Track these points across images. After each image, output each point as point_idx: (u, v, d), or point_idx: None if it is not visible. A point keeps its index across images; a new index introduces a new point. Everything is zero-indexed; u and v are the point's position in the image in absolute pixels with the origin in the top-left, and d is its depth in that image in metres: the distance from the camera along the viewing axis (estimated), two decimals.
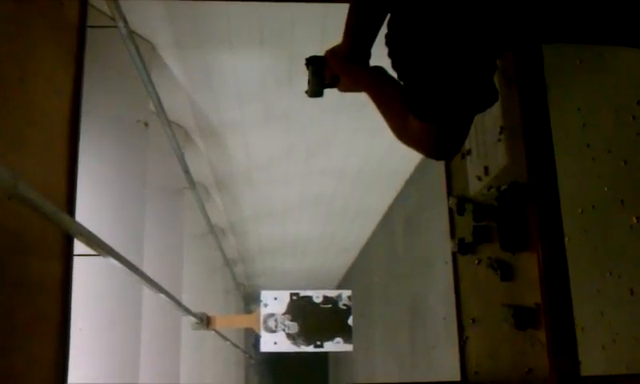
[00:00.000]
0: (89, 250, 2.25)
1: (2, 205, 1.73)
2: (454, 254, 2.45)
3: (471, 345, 2.33)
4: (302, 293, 7.54)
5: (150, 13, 3.41)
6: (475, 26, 1.12)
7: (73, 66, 2.33)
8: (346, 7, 1.40)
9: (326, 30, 3.41)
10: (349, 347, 7.50)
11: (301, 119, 4.87)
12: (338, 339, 7.44)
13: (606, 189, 2.16)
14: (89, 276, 2.69)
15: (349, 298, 7.57)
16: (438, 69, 1.14)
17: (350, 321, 7.49)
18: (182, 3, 3.33)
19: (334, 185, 6.61)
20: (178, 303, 4.30)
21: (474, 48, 1.13)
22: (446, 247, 2.61)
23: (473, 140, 2.25)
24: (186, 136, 5.01)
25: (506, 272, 2.02)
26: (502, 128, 2.05)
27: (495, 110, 2.08)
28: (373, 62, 1.49)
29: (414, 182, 6.17)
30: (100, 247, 2.28)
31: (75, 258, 2.26)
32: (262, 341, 7.43)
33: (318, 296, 7.54)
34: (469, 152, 2.29)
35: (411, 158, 5.73)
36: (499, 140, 2.06)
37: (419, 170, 5.88)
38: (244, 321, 8.54)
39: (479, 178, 2.21)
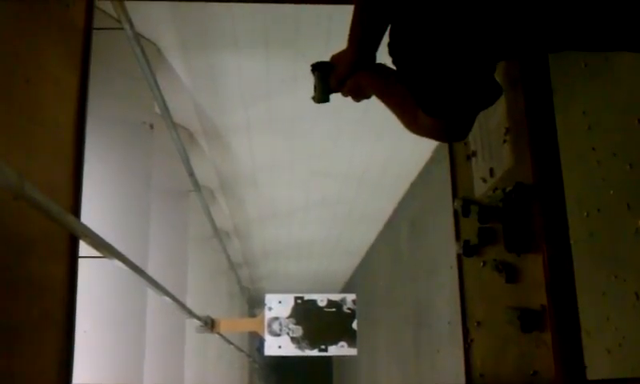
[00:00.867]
0: (94, 252, 2.25)
1: (7, 206, 1.73)
2: (458, 256, 2.44)
3: (476, 347, 2.33)
4: (307, 296, 7.53)
5: (155, 15, 3.42)
6: (476, 32, 1.15)
7: (79, 67, 2.33)
8: (351, 9, 1.41)
9: (331, 31, 3.41)
10: (353, 351, 7.48)
11: (305, 122, 4.87)
12: (342, 343, 7.42)
13: (611, 192, 2.15)
14: (94, 278, 2.70)
15: (353, 301, 7.55)
16: (444, 71, 1.18)
17: (355, 325, 7.47)
18: (187, 5, 3.34)
19: (338, 188, 6.60)
20: (183, 306, 4.30)
21: (475, 52, 1.17)
22: (451, 251, 2.60)
23: (478, 142, 2.25)
24: (191, 138, 5.02)
25: (511, 274, 2.01)
26: (507, 129, 2.05)
27: (500, 112, 2.07)
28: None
29: (418, 185, 6.16)
30: (105, 249, 2.28)
31: (80, 260, 2.26)
32: (267, 344, 7.42)
33: (322, 300, 7.53)
34: (474, 154, 2.28)
35: (416, 161, 5.74)
36: (504, 141, 2.06)
37: (424, 173, 5.87)
38: (248, 324, 8.54)
39: (484, 180, 2.20)
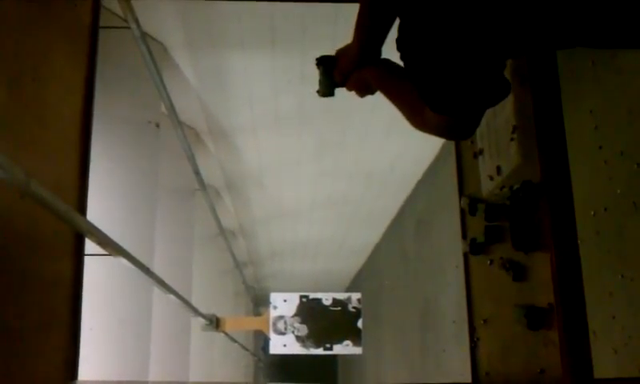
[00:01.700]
0: (100, 250, 2.25)
1: (14, 203, 1.74)
2: (465, 255, 2.44)
3: (482, 346, 2.32)
4: (312, 295, 7.52)
5: (162, 14, 3.42)
6: (485, 28, 1.14)
7: (85, 66, 2.34)
8: (357, 7, 1.40)
9: (338, 30, 3.40)
10: (358, 350, 7.47)
11: (312, 121, 4.87)
12: (348, 342, 7.41)
13: (618, 191, 2.15)
14: (99, 276, 2.70)
15: (358, 300, 7.54)
16: (452, 68, 1.17)
17: (360, 324, 7.46)
18: (193, 4, 3.34)
19: (344, 187, 6.60)
20: (188, 304, 4.31)
21: (484, 49, 1.16)
22: (457, 250, 2.60)
23: (485, 140, 2.25)
24: (197, 137, 5.02)
25: (518, 272, 2.01)
26: (514, 127, 2.04)
27: (508, 110, 2.07)
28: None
29: (424, 184, 6.16)
30: (111, 247, 2.28)
31: (86, 258, 2.27)
32: (272, 343, 7.42)
33: (327, 298, 7.52)
34: (481, 152, 2.28)
35: (422, 160, 5.73)
36: (512, 139, 2.05)
37: (430, 172, 5.87)
38: (253, 323, 8.54)
39: (491, 178, 2.20)
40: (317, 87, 1.60)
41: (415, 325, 6.53)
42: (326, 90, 1.59)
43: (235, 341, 7.58)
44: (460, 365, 4.26)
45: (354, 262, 10.88)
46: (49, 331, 2.00)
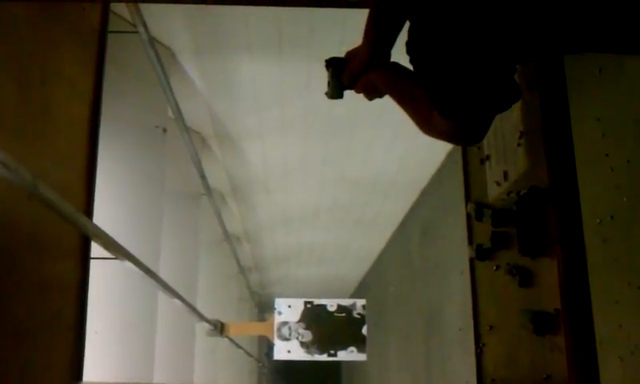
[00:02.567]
0: (106, 253, 2.26)
1: (21, 205, 1.75)
2: (471, 261, 2.43)
3: (488, 352, 2.31)
4: (316, 301, 7.51)
5: (169, 19, 3.43)
6: (495, 32, 1.14)
7: (93, 70, 2.35)
8: (365, 12, 1.41)
9: (346, 36, 3.41)
10: (362, 357, 7.46)
11: (318, 127, 4.87)
12: (352, 348, 7.40)
13: (624, 199, 2.14)
14: (105, 279, 2.71)
15: (363, 307, 7.53)
16: (462, 73, 1.16)
17: (364, 330, 7.44)
18: (201, 10, 3.35)
19: (350, 193, 6.60)
20: (193, 309, 4.31)
21: (494, 53, 1.15)
22: (462, 257, 2.59)
23: (492, 145, 2.24)
24: (203, 142, 5.04)
25: (524, 278, 2.00)
26: (521, 133, 2.04)
27: (515, 115, 2.07)
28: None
29: (430, 190, 6.15)
30: (117, 250, 2.29)
31: (92, 261, 2.27)
32: (276, 349, 7.41)
33: (332, 304, 7.51)
34: (488, 157, 2.27)
35: (428, 166, 5.73)
36: (519, 145, 2.05)
37: (435, 179, 5.87)
38: (258, 328, 8.53)
39: (498, 183, 2.19)
40: (325, 89, 1.60)
41: (420, 331, 6.52)
42: (335, 92, 1.59)
43: (239, 346, 7.57)
44: (465, 371, 4.25)
45: (359, 268, 10.87)
46: (54, 333, 2.01)
